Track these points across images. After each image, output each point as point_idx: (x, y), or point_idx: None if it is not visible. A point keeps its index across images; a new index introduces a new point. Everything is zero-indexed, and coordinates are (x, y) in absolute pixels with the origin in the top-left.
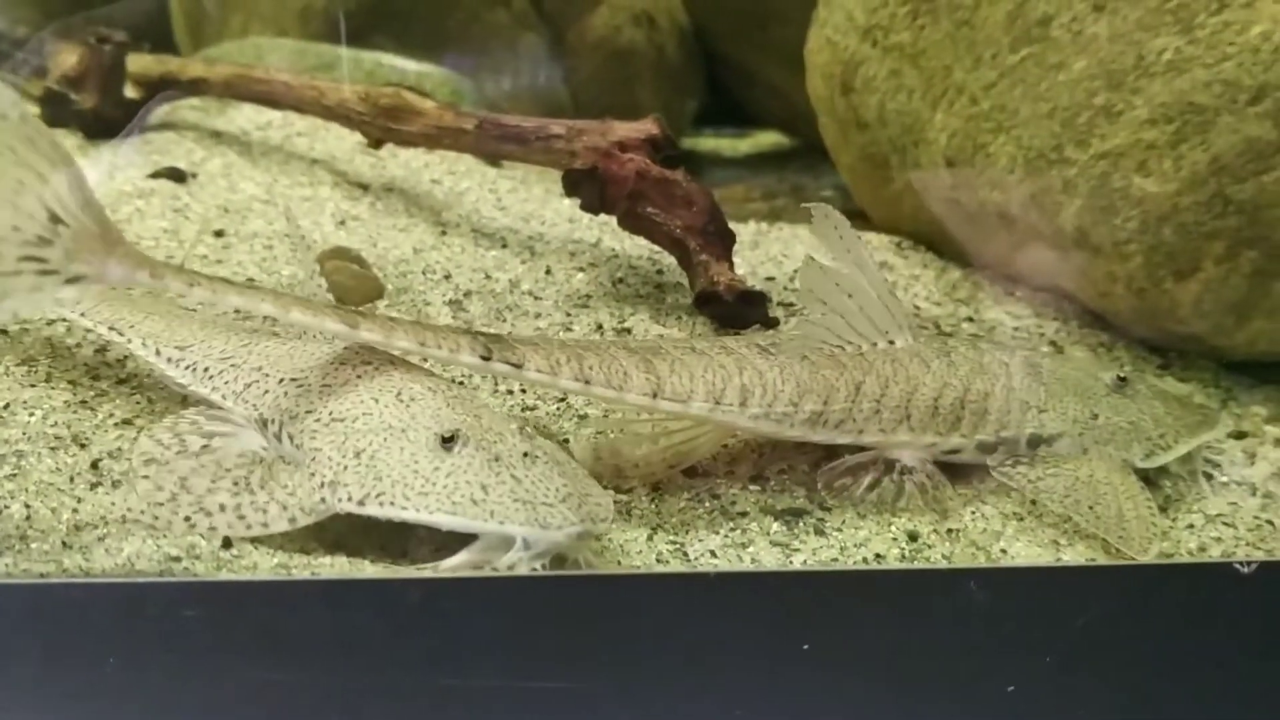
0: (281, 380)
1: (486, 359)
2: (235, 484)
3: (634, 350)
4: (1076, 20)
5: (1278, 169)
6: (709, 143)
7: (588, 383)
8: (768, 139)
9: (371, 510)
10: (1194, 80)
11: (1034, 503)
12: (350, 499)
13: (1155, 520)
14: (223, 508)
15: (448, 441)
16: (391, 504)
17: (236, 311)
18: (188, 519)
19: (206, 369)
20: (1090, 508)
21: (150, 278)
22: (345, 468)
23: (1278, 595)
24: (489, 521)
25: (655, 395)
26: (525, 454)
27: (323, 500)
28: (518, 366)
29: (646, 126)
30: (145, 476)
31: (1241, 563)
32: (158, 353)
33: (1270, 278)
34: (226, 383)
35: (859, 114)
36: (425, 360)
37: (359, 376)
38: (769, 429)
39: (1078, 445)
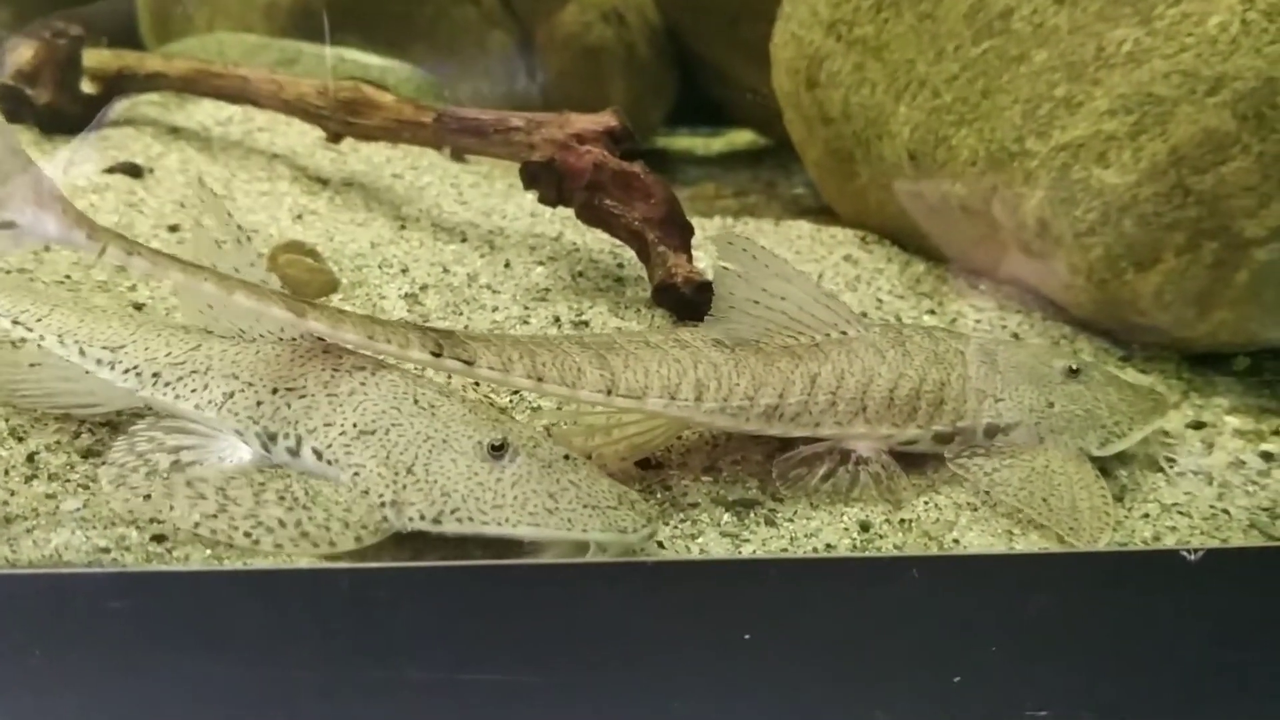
0: (277, 390)
1: (437, 355)
2: (283, 498)
3: (588, 345)
4: (1037, 12)
5: (1236, 159)
6: (682, 141)
7: (541, 380)
8: (741, 137)
9: (448, 528)
10: (1153, 71)
11: (989, 494)
12: (423, 518)
13: (1109, 510)
14: (282, 523)
15: (497, 450)
16: (470, 520)
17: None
18: (248, 534)
19: (157, 374)
20: (1044, 500)
21: (87, 238)
22: (404, 486)
23: (1224, 582)
24: (571, 530)
25: (610, 392)
26: (566, 457)
27: (385, 519)
28: (469, 363)
29: (605, 119)
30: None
31: (1189, 550)
32: (82, 352)
33: (1231, 269)
34: (194, 391)
35: (824, 109)
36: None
37: (363, 384)
38: (725, 423)
39: (1034, 434)
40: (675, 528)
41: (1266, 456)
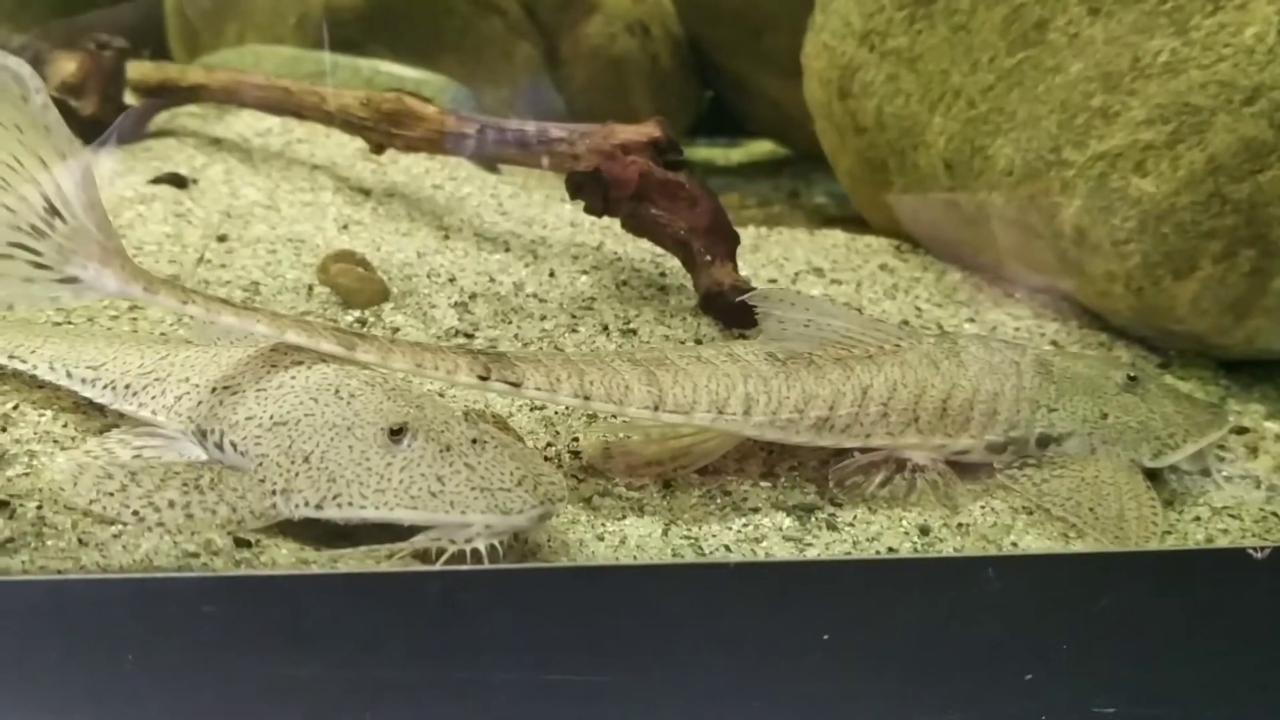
0: (215, 389)
1: (485, 378)
2: (185, 484)
3: (639, 362)
4: (1072, 23)
5: (1274, 168)
6: (702, 152)
7: (588, 398)
8: (761, 148)
9: (330, 513)
10: (1190, 81)
11: (1038, 504)
12: (307, 504)
13: (1157, 520)
14: (171, 504)
15: (395, 434)
16: (350, 504)
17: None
18: (136, 512)
19: (128, 385)
20: (1091, 509)
21: (144, 292)
22: (296, 474)
23: None
24: (450, 512)
25: (657, 408)
26: (474, 440)
27: (274, 506)
28: (516, 385)
29: (649, 129)
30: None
31: (1255, 549)
32: (69, 375)
33: (1268, 276)
34: (154, 397)
35: (857, 118)
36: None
37: (293, 378)
38: (774, 435)
39: (1086, 445)
40: (738, 531)
41: None
